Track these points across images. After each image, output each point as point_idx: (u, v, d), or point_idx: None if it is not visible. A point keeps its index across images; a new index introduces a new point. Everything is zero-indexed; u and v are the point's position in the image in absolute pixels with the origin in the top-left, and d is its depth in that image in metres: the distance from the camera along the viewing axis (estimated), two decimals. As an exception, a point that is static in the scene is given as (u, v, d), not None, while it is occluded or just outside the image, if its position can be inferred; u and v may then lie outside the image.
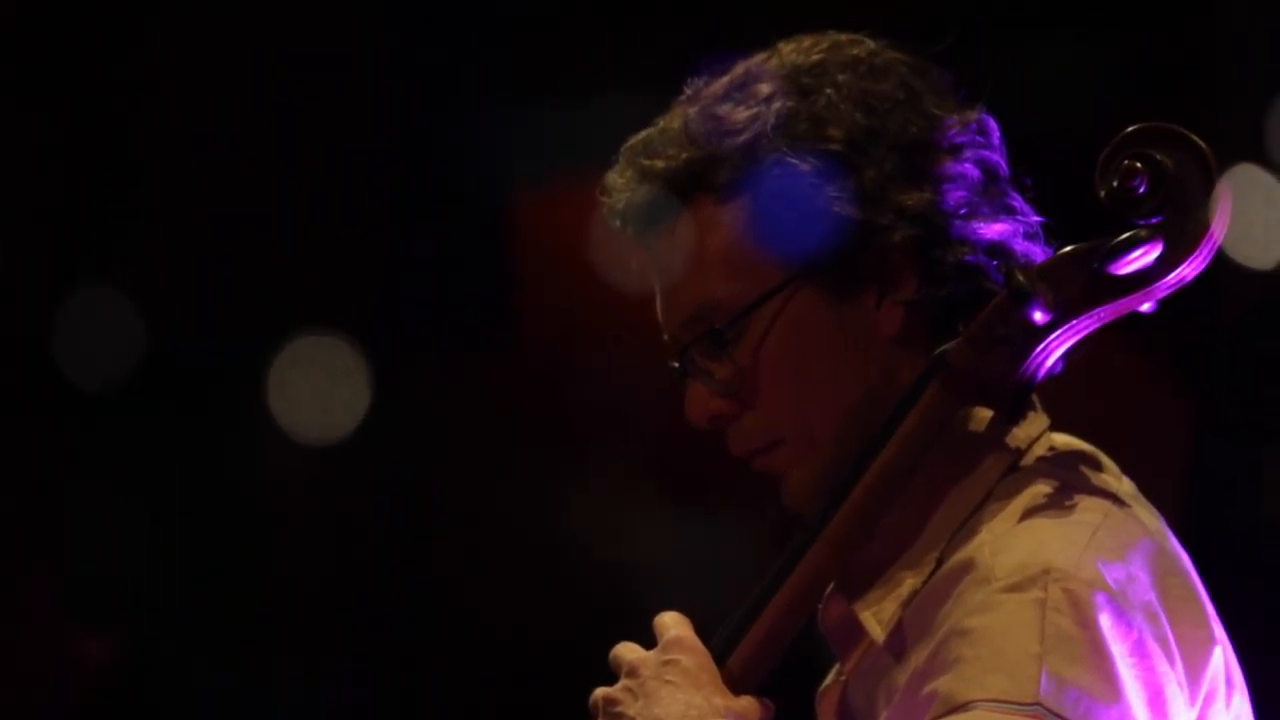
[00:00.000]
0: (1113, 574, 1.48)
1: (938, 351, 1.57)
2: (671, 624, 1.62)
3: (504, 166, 3.66)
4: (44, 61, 4.00)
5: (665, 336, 1.70)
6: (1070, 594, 1.45)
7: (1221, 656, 1.55)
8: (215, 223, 3.91)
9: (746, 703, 1.58)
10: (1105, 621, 1.45)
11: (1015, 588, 1.47)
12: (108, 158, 4.04)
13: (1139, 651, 1.46)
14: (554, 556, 3.62)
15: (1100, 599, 1.46)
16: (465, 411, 3.81)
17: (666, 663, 1.58)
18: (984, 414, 1.59)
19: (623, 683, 1.61)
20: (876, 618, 1.57)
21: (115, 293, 3.86)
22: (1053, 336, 1.52)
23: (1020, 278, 1.51)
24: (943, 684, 1.46)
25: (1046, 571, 1.47)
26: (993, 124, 1.66)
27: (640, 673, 1.59)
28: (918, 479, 1.58)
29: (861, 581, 1.60)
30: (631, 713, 1.57)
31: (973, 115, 1.65)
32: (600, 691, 1.62)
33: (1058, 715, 1.41)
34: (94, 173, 4.04)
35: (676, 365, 1.68)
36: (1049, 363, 1.55)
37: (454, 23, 3.93)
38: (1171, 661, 1.49)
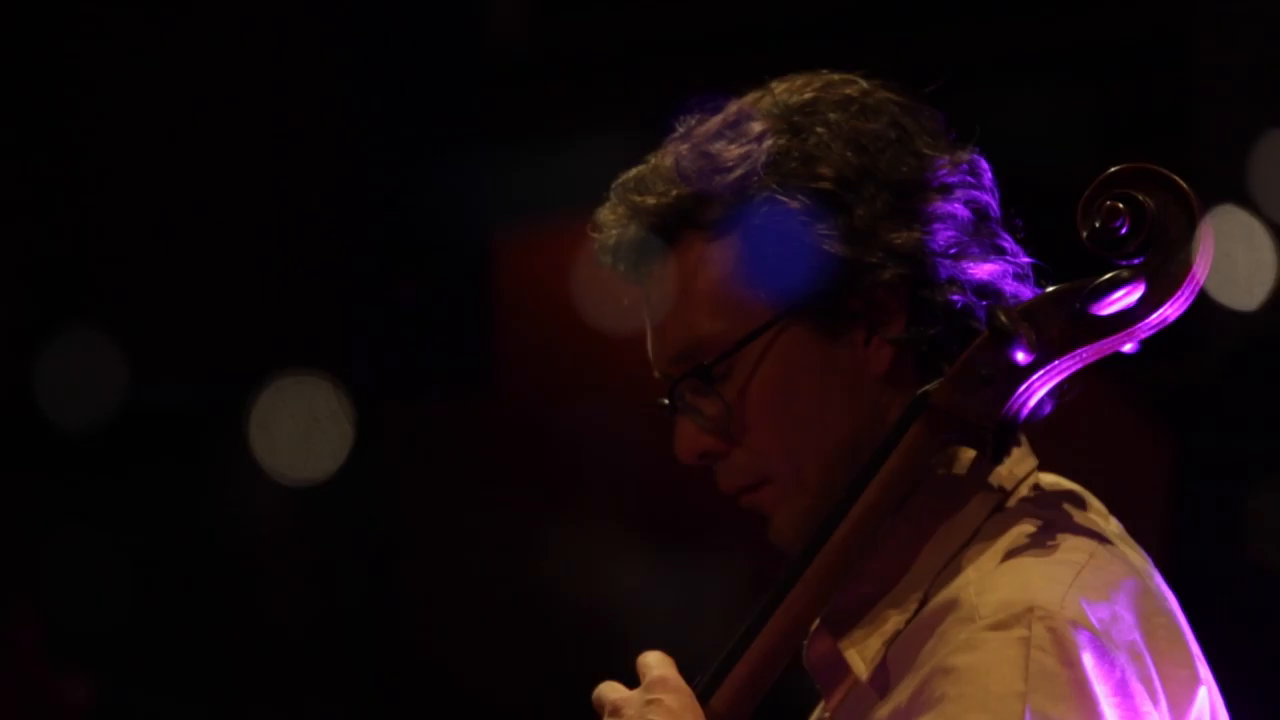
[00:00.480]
0: (1097, 613, 1.48)
1: (920, 391, 1.57)
2: (655, 664, 1.61)
3: (485, 211, 3.66)
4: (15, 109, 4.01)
5: (656, 373, 1.70)
6: (1054, 632, 1.45)
7: (1207, 697, 1.55)
8: (196, 266, 3.91)
9: None
10: (1089, 660, 1.44)
11: (999, 625, 1.46)
12: (90, 201, 4.05)
13: (1121, 691, 1.45)
14: (534, 599, 3.61)
15: (1084, 638, 1.45)
16: (446, 453, 3.80)
17: (650, 702, 1.57)
18: (971, 453, 1.58)
19: None
20: (861, 655, 1.57)
21: (97, 336, 3.86)
22: (1035, 376, 1.52)
23: (1003, 318, 1.51)
24: (929, 706, 1.45)
25: (1030, 610, 1.46)
26: (984, 164, 1.66)
27: (624, 713, 1.58)
28: (904, 517, 1.58)
29: (846, 619, 1.59)
30: None
31: (964, 155, 1.65)
32: None
33: None
34: (75, 219, 4.05)
35: (666, 402, 1.68)
36: (1032, 403, 1.55)
37: (434, 67, 3.95)
38: (1155, 701, 1.48)
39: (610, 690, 1.61)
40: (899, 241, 1.59)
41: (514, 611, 3.64)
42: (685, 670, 1.61)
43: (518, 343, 2.96)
